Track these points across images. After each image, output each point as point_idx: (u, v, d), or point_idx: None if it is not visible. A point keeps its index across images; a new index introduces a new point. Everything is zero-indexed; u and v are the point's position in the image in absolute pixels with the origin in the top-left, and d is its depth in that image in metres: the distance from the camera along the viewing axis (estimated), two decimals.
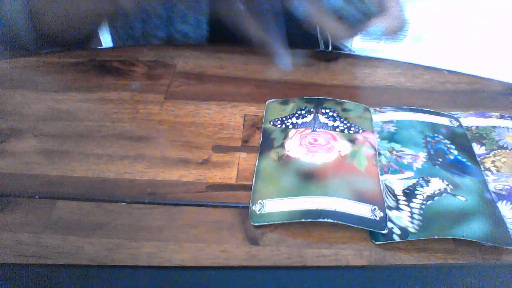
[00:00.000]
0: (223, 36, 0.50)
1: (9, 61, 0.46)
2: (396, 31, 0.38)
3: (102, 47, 0.57)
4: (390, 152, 0.36)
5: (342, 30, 0.39)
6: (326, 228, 0.31)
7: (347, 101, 0.41)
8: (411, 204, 0.32)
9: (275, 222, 0.31)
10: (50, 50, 0.48)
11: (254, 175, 0.34)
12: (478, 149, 0.37)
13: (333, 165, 0.34)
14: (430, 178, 0.34)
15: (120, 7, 0.41)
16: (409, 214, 0.31)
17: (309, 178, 0.33)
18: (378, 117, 0.39)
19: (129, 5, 0.40)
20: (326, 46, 0.54)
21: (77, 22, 0.47)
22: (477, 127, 0.39)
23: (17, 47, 0.48)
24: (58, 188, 0.33)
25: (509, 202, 0.32)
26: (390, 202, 0.32)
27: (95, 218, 0.31)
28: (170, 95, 0.42)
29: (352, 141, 0.37)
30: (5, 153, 0.36)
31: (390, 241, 0.30)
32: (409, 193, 0.32)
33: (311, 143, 0.36)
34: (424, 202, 0.32)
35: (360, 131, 0.38)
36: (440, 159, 0.35)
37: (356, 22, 0.38)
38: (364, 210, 0.31)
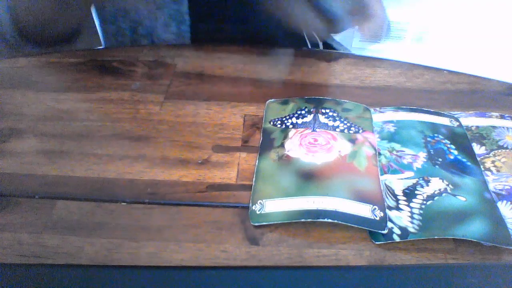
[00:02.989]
0: (205, 39, 0.50)
1: (9, 61, 0.46)
2: (377, 32, 0.38)
3: (102, 47, 0.57)
4: (390, 152, 0.36)
5: (322, 26, 0.38)
6: (326, 228, 0.31)
7: (347, 101, 0.41)
8: (411, 204, 0.32)
9: (275, 222, 0.31)
10: (33, 49, 0.48)
11: (254, 175, 0.34)
12: (478, 149, 0.37)
13: (333, 165, 0.34)
14: (430, 178, 0.34)
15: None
16: (409, 214, 0.31)
17: (309, 178, 0.33)
18: (378, 117, 0.39)
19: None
20: (316, 45, 0.53)
21: (57, 21, 0.46)
22: (477, 127, 0.39)
23: (1, 45, 0.48)
24: (58, 188, 0.33)
25: (509, 202, 0.32)
26: (390, 202, 0.32)
27: (95, 218, 0.31)
28: (170, 95, 0.42)
29: (352, 141, 0.37)
30: (5, 153, 0.36)
31: (390, 241, 0.30)
32: (409, 193, 0.32)
33: (311, 143, 0.36)
34: (424, 202, 0.32)
35: (360, 131, 0.38)
36: (440, 159, 0.35)
37: (337, 19, 0.38)
38: (364, 210, 0.31)
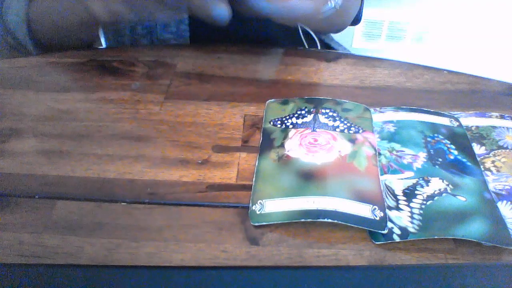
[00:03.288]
0: (205, 44, 0.51)
1: (9, 61, 0.46)
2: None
3: (102, 47, 0.57)
4: (390, 152, 0.36)
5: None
6: (326, 228, 0.31)
7: (347, 101, 0.41)
8: (411, 204, 0.32)
9: (275, 222, 0.31)
10: (42, 52, 0.49)
11: (254, 175, 0.34)
12: (478, 149, 0.37)
13: (333, 165, 0.34)
14: (430, 178, 0.34)
15: (115, 16, 0.41)
16: (409, 214, 0.31)
17: (309, 178, 0.33)
18: (378, 117, 0.39)
19: (125, 14, 0.40)
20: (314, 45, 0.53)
21: (74, 31, 0.47)
22: (477, 127, 0.39)
23: (19, 53, 0.49)
24: (58, 188, 0.33)
25: (509, 202, 0.32)
26: (390, 202, 0.32)
27: (95, 218, 0.31)
28: (170, 95, 0.42)
29: (352, 141, 0.37)
30: (5, 153, 0.36)
31: (390, 241, 0.30)
32: (409, 193, 0.32)
33: (311, 143, 0.36)
34: (424, 202, 0.32)
35: (360, 131, 0.38)
36: (440, 159, 0.35)
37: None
38: (364, 210, 0.31)
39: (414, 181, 0.33)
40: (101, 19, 0.42)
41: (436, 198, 0.32)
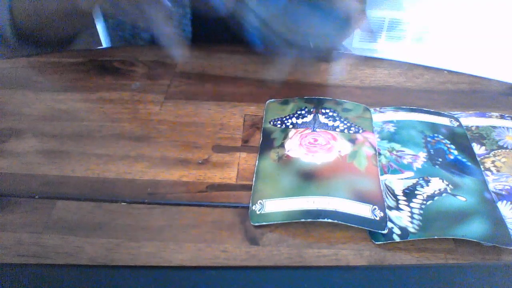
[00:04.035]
0: (206, 38, 0.50)
1: (9, 61, 0.46)
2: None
3: (102, 47, 0.57)
4: (390, 152, 0.36)
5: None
6: (326, 228, 0.31)
7: (347, 101, 0.41)
8: (411, 204, 0.32)
9: (275, 222, 0.31)
10: (31, 51, 0.48)
11: (254, 175, 0.34)
12: (478, 149, 0.37)
13: (333, 165, 0.34)
14: (430, 178, 0.34)
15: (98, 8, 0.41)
16: (409, 214, 0.31)
17: (309, 178, 0.33)
18: (378, 117, 0.39)
19: (109, 8, 0.40)
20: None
21: (56, 22, 0.47)
22: (477, 127, 0.39)
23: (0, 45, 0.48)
24: (58, 188, 0.33)
25: (509, 202, 0.32)
26: (390, 202, 0.32)
27: (95, 218, 0.31)
28: (170, 95, 0.42)
29: (352, 141, 0.37)
30: (5, 153, 0.36)
31: (390, 241, 0.30)
32: (409, 193, 0.32)
33: (311, 143, 0.36)
34: (424, 202, 0.32)
35: (360, 131, 0.38)
36: (440, 159, 0.35)
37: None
38: (364, 210, 0.31)
39: (414, 181, 0.33)
40: (86, 12, 0.41)
41: (436, 198, 0.32)
